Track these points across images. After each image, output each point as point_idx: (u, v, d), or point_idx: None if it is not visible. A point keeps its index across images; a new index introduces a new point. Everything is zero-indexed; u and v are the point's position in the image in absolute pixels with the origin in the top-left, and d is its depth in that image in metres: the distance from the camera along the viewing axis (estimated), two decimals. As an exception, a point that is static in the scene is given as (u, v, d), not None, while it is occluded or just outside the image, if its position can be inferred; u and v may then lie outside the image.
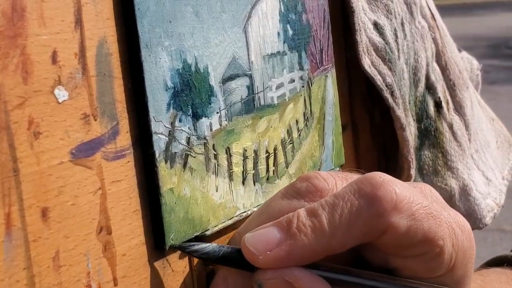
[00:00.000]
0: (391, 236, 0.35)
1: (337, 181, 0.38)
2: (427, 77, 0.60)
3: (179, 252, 0.37)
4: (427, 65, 0.60)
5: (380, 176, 0.36)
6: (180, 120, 0.36)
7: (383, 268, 0.37)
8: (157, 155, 0.35)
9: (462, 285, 0.38)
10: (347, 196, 0.35)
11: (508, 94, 5.95)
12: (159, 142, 0.35)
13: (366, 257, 0.38)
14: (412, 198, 0.35)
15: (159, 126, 0.35)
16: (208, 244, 0.36)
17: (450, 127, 0.62)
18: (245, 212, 0.41)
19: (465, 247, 0.37)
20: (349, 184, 0.36)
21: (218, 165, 0.39)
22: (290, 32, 0.46)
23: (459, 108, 0.63)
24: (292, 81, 0.46)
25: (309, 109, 0.48)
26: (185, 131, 0.36)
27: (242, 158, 0.41)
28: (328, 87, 0.51)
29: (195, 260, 0.38)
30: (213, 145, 0.38)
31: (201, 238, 0.37)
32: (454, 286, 0.37)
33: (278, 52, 0.45)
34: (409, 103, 0.58)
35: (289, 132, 0.45)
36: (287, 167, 0.45)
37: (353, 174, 0.39)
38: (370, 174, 0.36)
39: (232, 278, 0.37)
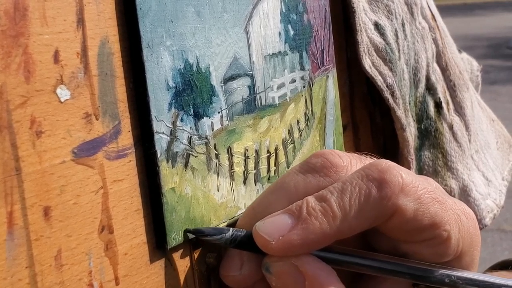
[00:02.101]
0: (399, 219, 0.35)
1: (352, 160, 0.38)
2: (428, 78, 0.61)
3: (180, 251, 0.37)
4: (428, 65, 0.60)
5: (386, 162, 0.36)
6: (181, 120, 0.36)
7: (391, 255, 0.38)
8: (158, 155, 0.35)
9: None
10: (355, 181, 0.36)
11: (509, 94, 5.96)
12: (161, 141, 0.35)
13: (374, 245, 0.38)
14: (417, 183, 0.36)
15: (161, 125, 0.35)
16: (221, 228, 0.36)
17: (450, 127, 0.62)
18: (246, 211, 0.41)
19: (471, 234, 0.38)
20: (355, 171, 0.37)
21: (219, 164, 0.39)
22: (291, 32, 0.46)
23: (459, 109, 0.63)
24: (293, 81, 0.46)
25: (310, 109, 0.48)
26: (186, 130, 0.37)
27: (244, 157, 0.41)
28: (329, 87, 0.51)
29: (195, 259, 0.38)
30: (215, 144, 0.39)
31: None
32: None
33: (279, 52, 0.45)
34: (409, 104, 0.58)
35: (290, 132, 0.46)
36: (288, 167, 0.45)
37: (367, 157, 0.39)
38: (376, 161, 0.37)
39: (247, 255, 0.37)
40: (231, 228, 0.37)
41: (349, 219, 0.35)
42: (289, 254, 0.35)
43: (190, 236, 0.36)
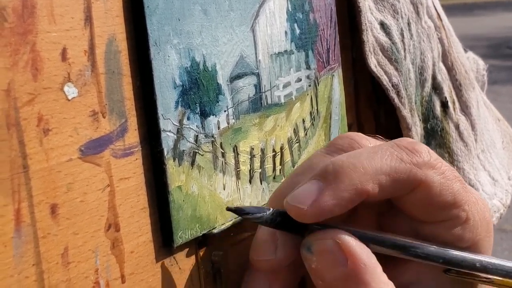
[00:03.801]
0: (425, 192, 0.35)
1: (378, 143, 0.38)
2: (434, 77, 0.60)
3: (186, 250, 0.37)
4: (433, 65, 0.60)
5: (413, 139, 0.37)
6: (188, 118, 0.36)
7: None
8: (165, 153, 0.35)
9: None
10: (385, 146, 0.35)
11: (509, 94, 5.96)
12: (167, 139, 0.35)
13: (390, 229, 0.38)
14: (441, 160, 0.36)
15: (168, 124, 0.35)
16: (262, 207, 0.36)
17: (457, 127, 0.62)
18: (251, 210, 0.41)
19: (488, 220, 0.37)
20: (385, 142, 0.36)
21: (225, 163, 0.39)
22: (297, 31, 0.46)
23: (465, 108, 0.63)
24: (299, 80, 0.46)
25: (316, 108, 0.48)
26: (193, 129, 0.36)
27: (249, 156, 0.41)
28: (335, 86, 0.51)
29: (201, 257, 0.38)
30: (221, 143, 0.38)
31: (208, 236, 0.37)
32: None
33: (285, 51, 0.45)
34: (415, 103, 0.58)
35: (295, 131, 0.45)
36: (293, 166, 0.45)
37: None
38: (403, 137, 0.37)
39: (281, 238, 0.36)
40: (271, 208, 0.36)
41: (380, 177, 0.34)
42: (324, 217, 0.34)
43: (232, 216, 0.36)
